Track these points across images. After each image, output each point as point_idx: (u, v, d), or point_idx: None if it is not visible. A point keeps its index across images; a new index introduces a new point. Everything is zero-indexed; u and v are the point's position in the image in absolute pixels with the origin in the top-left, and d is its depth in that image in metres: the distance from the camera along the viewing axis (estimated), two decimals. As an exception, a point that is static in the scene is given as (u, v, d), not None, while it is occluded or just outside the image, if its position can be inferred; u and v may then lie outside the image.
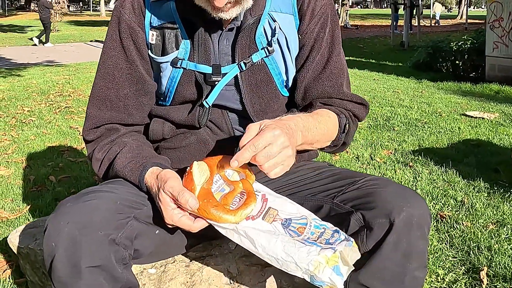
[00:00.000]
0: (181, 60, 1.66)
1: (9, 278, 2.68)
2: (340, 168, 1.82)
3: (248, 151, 1.35)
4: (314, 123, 1.61)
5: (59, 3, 31.61)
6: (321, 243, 1.36)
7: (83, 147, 5.39)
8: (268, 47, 1.68)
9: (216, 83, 1.66)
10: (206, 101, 1.67)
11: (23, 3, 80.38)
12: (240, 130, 1.74)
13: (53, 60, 15.78)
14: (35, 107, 7.91)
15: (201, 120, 1.69)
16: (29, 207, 3.79)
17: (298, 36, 1.74)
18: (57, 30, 30.11)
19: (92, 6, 75.19)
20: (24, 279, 2.51)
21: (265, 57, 1.68)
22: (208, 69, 1.66)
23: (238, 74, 1.67)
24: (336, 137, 1.73)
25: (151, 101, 1.76)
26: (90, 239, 1.32)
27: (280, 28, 1.69)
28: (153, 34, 1.69)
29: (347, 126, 1.74)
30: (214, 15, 1.55)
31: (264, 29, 1.68)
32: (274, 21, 1.69)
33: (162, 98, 1.76)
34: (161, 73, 1.70)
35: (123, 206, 1.45)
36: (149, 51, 1.70)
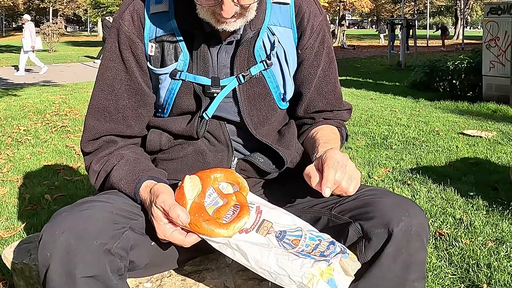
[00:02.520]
0: (180, 72, 1.65)
1: (2, 296, 2.65)
2: None
3: (339, 172, 1.43)
4: (333, 143, 1.70)
5: (56, 23, 31.78)
6: (315, 255, 1.34)
7: (79, 166, 5.37)
8: (267, 61, 1.67)
9: (215, 95, 1.65)
10: (206, 113, 1.66)
11: (20, 24, 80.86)
12: (237, 141, 1.74)
13: (50, 80, 15.78)
14: (31, 126, 7.89)
15: (199, 131, 1.67)
16: (24, 225, 3.76)
17: (298, 51, 1.75)
18: (54, 51, 30.21)
19: (90, 27, 75.58)
20: (18, 296, 2.47)
21: (263, 70, 1.68)
22: (207, 81, 1.65)
23: (237, 87, 1.67)
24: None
25: (150, 113, 1.75)
26: (86, 248, 1.29)
27: (279, 42, 1.69)
28: (152, 46, 1.67)
29: (346, 135, 1.87)
30: (218, 28, 1.55)
31: (263, 42, 1.68)
32: (273, 34, 1.69)
33: (160, 110, 1.74)
34: (159, 85, 1.69)
35: (119, 216, 1.43)
36: (148, 62, 1.69)
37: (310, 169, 1.48)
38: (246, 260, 1.34)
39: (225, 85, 1.66)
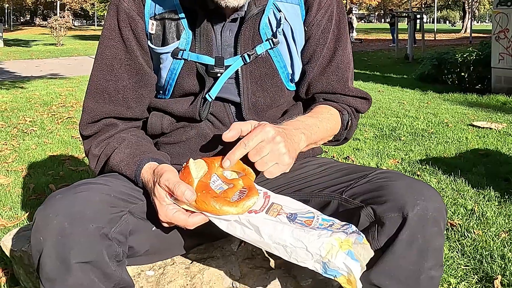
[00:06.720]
0: (182, 51, 1.57)
1: (3, 287, 2.60)
2: (348, 163, 1.73)
3: (239, 149, 1.33)
4: (315, 122, 1.57)
5: (63, 17, 31.83)
6: (331, 229, 1.26)
7: (85, 156, 5.30)
8: (273, 39, 1.59)
9: (218, 75, 1.57)
10: (209, 94, 1.58)
11: (28, 18, 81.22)
12: None
13: (57, 73, 15.74)
14: (37, 117, 7.84)
15: (202, 113, 1.60)
16: (27, 214, 3.71)
17: (304, 28, 1.66)
18: (62, 44, 30.23)
19: (97, 21, 75.71)
20: (19, 286, 2.42)
21: (269, 49, 1.60)
22: (210, 60, 1.57)
23: (240, 67, 1.59)
24: (338, 132, 1.69)
25: (151, 94, 1.67)
26: (81, 232, 1.22)
27: (285, 19, 1.61)
28: (153, 24, 1.60)
29: (349, 122, 1.70)
30: (220, 2, 1.46)
31: (269, 19, 1.60)
32: (279, 11, 1.61)
33: (161, 92, 1.67)
34: (160, 65, 1.61)
35: (118, 199, 1.36)
36: (149, 41, 1.62)
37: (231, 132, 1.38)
38: (259, 235, 1.26)
39: (230, 65, 1.58)
